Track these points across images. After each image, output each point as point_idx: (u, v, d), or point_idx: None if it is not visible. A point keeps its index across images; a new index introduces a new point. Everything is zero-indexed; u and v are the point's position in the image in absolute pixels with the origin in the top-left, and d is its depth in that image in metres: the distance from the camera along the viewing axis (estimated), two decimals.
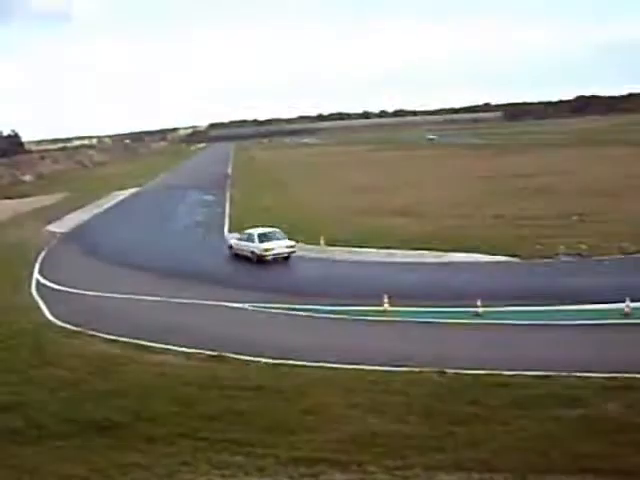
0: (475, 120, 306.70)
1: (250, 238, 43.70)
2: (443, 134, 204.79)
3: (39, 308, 34.38)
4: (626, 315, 26.98)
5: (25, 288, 39.08)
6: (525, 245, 40.17)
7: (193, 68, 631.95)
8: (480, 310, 28.24)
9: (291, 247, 42.88)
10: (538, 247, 39.58)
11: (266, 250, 42.18)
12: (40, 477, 16.63)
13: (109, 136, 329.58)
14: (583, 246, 38.77)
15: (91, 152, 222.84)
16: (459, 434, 17.47)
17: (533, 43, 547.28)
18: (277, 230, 44.38)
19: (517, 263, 37.64)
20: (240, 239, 45.19)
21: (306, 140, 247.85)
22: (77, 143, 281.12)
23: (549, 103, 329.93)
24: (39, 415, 20.45)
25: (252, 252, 42.77)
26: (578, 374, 20.92)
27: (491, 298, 29.23)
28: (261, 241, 42.79)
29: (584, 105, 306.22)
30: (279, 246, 42.65)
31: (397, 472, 15.83)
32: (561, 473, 15.24)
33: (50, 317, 32.49)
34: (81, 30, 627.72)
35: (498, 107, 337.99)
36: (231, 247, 45.71)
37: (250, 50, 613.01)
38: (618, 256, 36.79)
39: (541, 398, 19.36)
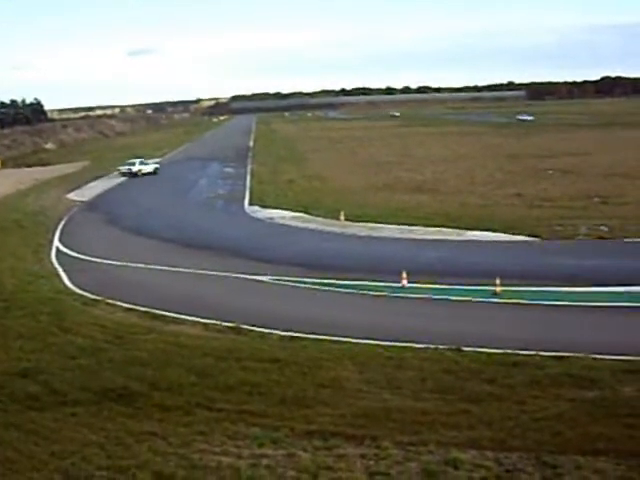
0: (499, 98, 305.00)
1: (132, 163, 78.09)
2: (467, 112, 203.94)
3: (59, 276, 34.58)
4: None
5: (45, 256, 39.31)
6: (545, 225, 40.01)
7: (217, 39, 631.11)
8: (498, 289, 28.17)
9: (157, 166, 79.83)
10: (558, 228, 39.41)
11: (139, 170, 76.99)
12: (57, 443, 16.76)
13: (131, 106, 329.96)
14: (604, 228, 38.58)
15: (113, 122, 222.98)
16: (474, 412, 17.47)
17: (560, 23, 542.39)
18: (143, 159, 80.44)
19: (537, 243, 37.48)
20: (124, 165, 78.23)
21: (329, 114, 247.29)
22: (99, 112, 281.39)
23: (574, 83, 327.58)
24: (57, 382, 20.61)
25: (130, 170, 76.80)
26: (595, 356, 20.87)
27: (510, 277, 29.14)
28: (140, 164, 78.41)
29: (609, 86, 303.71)
30: (148, 167, 78.44)
31: (411, 448, 15.87)
32: (575, 454, 15.24)
33: (70, 285, 32.69)
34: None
35: (522, 86, 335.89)
36: (119, 170, 77.24)
37: (275, 22, 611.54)
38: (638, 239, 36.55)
39: (557, 378, 19.34)
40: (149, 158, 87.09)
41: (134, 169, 77.62)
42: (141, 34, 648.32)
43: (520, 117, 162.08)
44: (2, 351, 23.63)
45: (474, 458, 15.31)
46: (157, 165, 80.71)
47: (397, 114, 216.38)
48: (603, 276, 29.75)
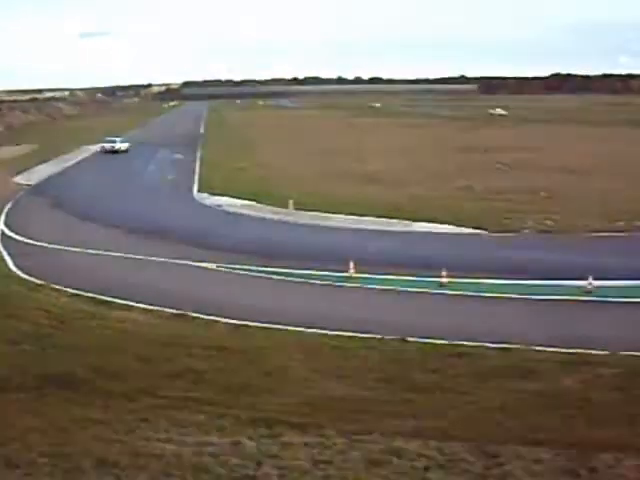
0: (451, 92, 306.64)
1: (111, 141, 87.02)
2: (418, 105, 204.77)
3: (3, 260, 34.17)
4: (588, 292, 27.26)
5: None
6: (492, 218, 40.39)
7: (168, 24, 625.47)
8: (445, 280, 28.42)
9: (128, 145, 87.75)
10: (505, 221, 39.82)
11: (119, 148, 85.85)
12: None
13: (82, 89, 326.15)
14: (549, 222, 39.06)
15: (61, 105, 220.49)
16: (418, 402, 17.61)
17: (512, 18, 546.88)
18: (121, 138, 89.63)
19: (484, 235, 37.83)
20: (105, 142, 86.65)
21: (280, 103, 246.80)
22: (48, 95, 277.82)
23: (524, 79, 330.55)
24: None
25: (103, 147, 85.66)
26: (537, 348, 21.15)
27: (456, 269, 29.40)
28: (114, 142, 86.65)
29: (559, 82, 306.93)
30: (122, 145, 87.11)
31: (355, 437, 15.92)
32: (517, 444, 15.42)
33: (14, 269, 32.32)
34: None
35: (473, 80, 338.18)
36: (102, 148, 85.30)
37: (227, 8, 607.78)
38: (583, 234, 37.05)
39: (500, 370, 19.57)
40: (98, 143, 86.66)
41: (116, 146, 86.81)
42: (94, 16, 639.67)
43: (490, 111, 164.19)
44: None
45: (418, 447, 15.42)
46: (129, 144, 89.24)
47: (378, 105, 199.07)
48: (546, 269, 30.14)
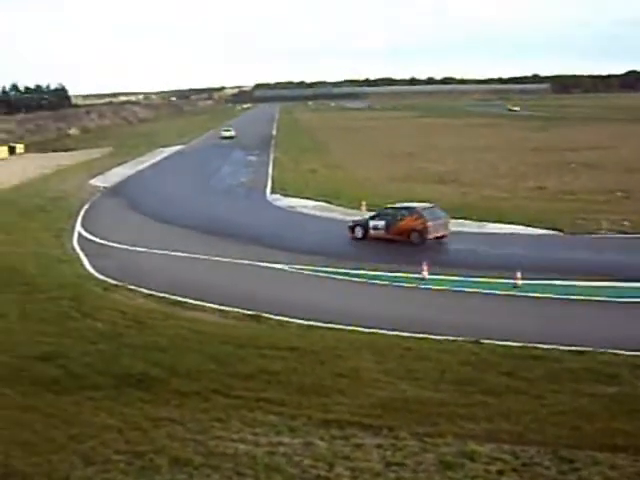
0: (523, 91, 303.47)
1: (228, 129, 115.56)
2: (490, 104, 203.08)
3: (80, 260, 34.74)
4: None
5: (67, 240, 39.50)
6: (567, 219, 39.81)
7: (242, 27, 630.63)
8: (519, 282, 28.07)
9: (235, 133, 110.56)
10: (580, 222, 39.22)
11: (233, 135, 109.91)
12: (75, 426, 16.84)
13: (155, 93, 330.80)
14: (626, 223, 38.36)
15: (136, 108, 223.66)
16: (492, 405, 17.43)
17: (587, 15, 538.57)
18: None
19: (558, 237, 37.32)
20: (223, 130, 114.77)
21: (352, 104, 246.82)
22: (123, 99, 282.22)
23: (599, 77, 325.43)
24: (77, 366, 20.69)
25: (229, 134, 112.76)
26: (614, 351, 20.76)
27: (530, 270, 29.03)
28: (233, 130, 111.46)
29: (635, 80, 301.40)
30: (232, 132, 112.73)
31: (428, 439, 15.84)
32: (593, 449, 15.18)
33: (91, 270, 32.84)
34: None
35: (546, 79, 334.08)
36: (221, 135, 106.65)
37: (299, 11, 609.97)
38: None
39: (576, 373, 19.25)
40: (172, 146, 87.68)
41: (230, 134, 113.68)
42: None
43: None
44: (23, 334, 23.77)
45: (491, 451, 15.27)
46: (235, 133, 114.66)
47: (517, 108, 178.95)
48: (623, 271, 29.60)
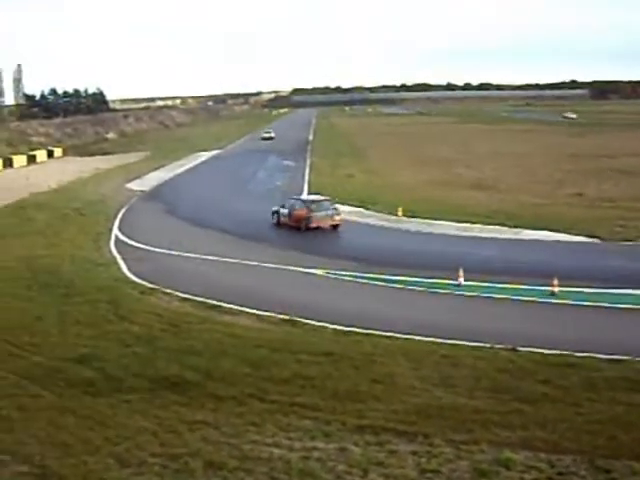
0: (561, 97, 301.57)
1: (269, 131, 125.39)
2: (527, 110, 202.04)
3: (117, 264, 34.97)
4: None
5: (104, 244, 39.78)
6: (605, 226, 39.46)
7: (279, 32, 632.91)
8: (556, 289, 27.88)
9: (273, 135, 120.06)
10: (618, 229, 38.86)
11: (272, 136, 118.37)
12: (111, 428, 16.97)
13: (192, 97, 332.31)
14: None
15: (173, 113, 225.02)
16: (528, 412, 17.33)
17: (625, 20, 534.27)
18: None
19: (596, 244, 37.01)
20: (264, 132, 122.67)
21: (388, 109, 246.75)
22: (160, 103, 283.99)
23: (638, 82, 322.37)
24: (113, 368, 20.85)
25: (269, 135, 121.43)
26: None
27: (567, 278, 28.81)
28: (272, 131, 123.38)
29: None
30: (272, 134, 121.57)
31: (463, 446, 15.79)
32: (630, 459, 15.04)
33: (127, 273, 33.04)
34: None
35: (584, 84, 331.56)
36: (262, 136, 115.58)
37: (333, 16, 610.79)
38: None
39: (613, 382, 19.09)
40: (209, 150, 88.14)
41: (270, 135, 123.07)
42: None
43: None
44: (60, 337, 23.99)
45: (527, 459, 15.19)
46: (274, 134, 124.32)
47: (573, 116, 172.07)
48: None
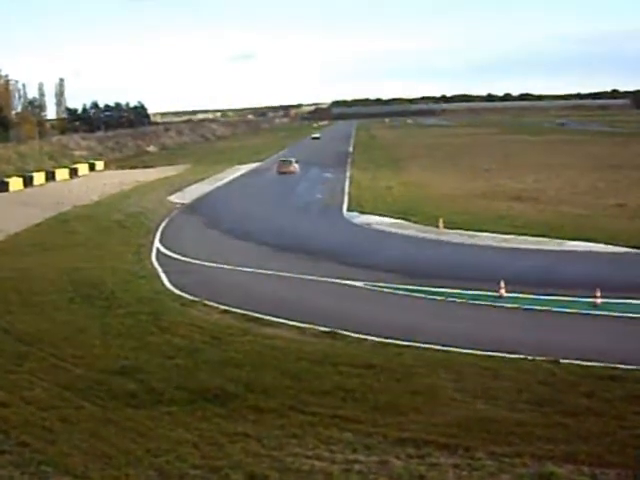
0: (602, 107, 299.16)
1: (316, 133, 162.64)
2: (569, 120, 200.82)
3: (158, 276, 35.18)
4: None
5: (146, 256, 40.04)
6: None
7: (318, 44, 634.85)
8: (598, 301, 27.60)
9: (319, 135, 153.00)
10: None
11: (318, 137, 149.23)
12: (152, 440, 17.05)
13: (233, 110, 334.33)
14: None
15: (214, 126, 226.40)
16: (570, 426, 17.15)
17: None
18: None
19: (639, 255, 36.58)
20: (312, 136, 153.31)
21: (428, 121, 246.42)
22: (201, 116, 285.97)
23: None
24: (154, 380, 20.96)
25: (316, 136, 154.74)
26: None
27: (610, 290, 28.51)
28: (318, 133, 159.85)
29: None
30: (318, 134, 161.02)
31: (505, 459, 15.66)
32: None
33: (169, 286, 33.22)
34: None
35: (627, 94, 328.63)
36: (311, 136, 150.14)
37: (375, 28, 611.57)
38: None
39: None
40: (249, 163, 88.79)
41: (317, 136, 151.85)
42: (242, 40, 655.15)
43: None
44: (102, 349, 24.17)
45: (570, 473, 15.04)
46: (319, 135, 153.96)
47: (564, 121, 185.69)
48: None
